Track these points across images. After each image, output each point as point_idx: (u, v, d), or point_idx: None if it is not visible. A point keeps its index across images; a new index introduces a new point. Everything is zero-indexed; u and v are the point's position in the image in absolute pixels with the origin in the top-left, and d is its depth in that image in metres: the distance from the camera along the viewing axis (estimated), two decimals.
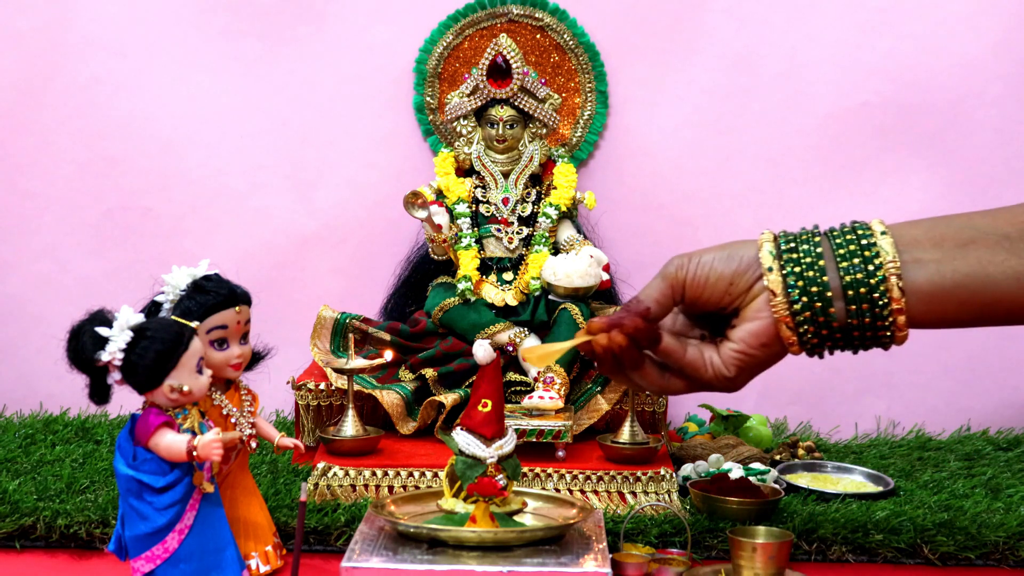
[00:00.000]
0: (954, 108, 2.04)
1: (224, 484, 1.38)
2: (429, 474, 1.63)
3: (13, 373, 2.09)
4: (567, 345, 1.20)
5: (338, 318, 1.91)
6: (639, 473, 1.63)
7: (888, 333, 1.13)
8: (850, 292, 1.12)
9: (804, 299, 1.14)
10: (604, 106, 2.05)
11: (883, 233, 1.15)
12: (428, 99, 2.05)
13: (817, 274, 1.14)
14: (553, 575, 1.26)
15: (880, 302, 1.12)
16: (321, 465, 1.62)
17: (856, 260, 1.14)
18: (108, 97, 2.07)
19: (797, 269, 1.15)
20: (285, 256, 2.09)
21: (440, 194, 1.95)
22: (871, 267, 1.13)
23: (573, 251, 1.90)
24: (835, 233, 1.18)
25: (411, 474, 1.63)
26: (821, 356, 1.18)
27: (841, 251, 1.15)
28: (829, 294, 1.13)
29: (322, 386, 1.81)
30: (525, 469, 1.61)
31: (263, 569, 1.40)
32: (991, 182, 2.05)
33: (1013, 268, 1.14)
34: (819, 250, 1.16)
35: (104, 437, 1.87)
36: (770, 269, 1.15)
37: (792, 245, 1.16)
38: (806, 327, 1.14)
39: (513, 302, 1.89)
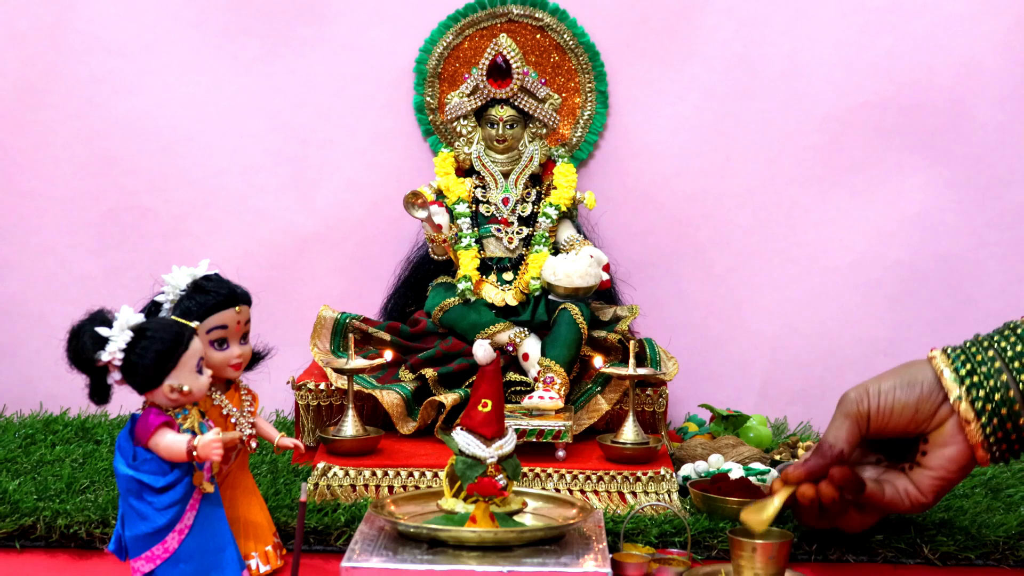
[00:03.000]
0: (954, 108, 2.04)
1: (224, 484, 1.38)
2: (429, 474, 1.63)
3: (13, 373, 2.09)
4: (778, 503, 1.26)
5: (338, 318, 1.91)
6: (639, 473, 1.63)
7: None
8: None
9: (994, 420, 1.20)
10: (604, 106, 2.05)
11: None
12: (428, 99, 2.05)
13: (1002, 392, 1.21)
14: (553, 575, 1.26)
15: None
16: (321, 465, 1.62)
17: None
18: (108, 97, 2.07)
19: (982, 392, 1.21)
20: (285, 256, 2.09)
21: (440, 194, 1.95)
22: None
23: (573, 251, 1.90)
24: (998, 338, 1.23)
25: (411, 474, 1.63)
26: (1007, 463, 1.26)
27: (1010, 353, 1.22)
28: (1013, 401, 1.19)
29: (322, 386, 1.81)
30: (525, 469, 1.61)
31: (263, 569, 1.40)
32: (991, 182, 2.05)
33: None
34: (994, 360, 1.22)
35: (104, 437, 1.87)
36: (959, 398, 1.21)
37: (970, 366, 1.22)
38: (997, 442, 1.20)
39: (513, 302, 1.89)
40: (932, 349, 1.24)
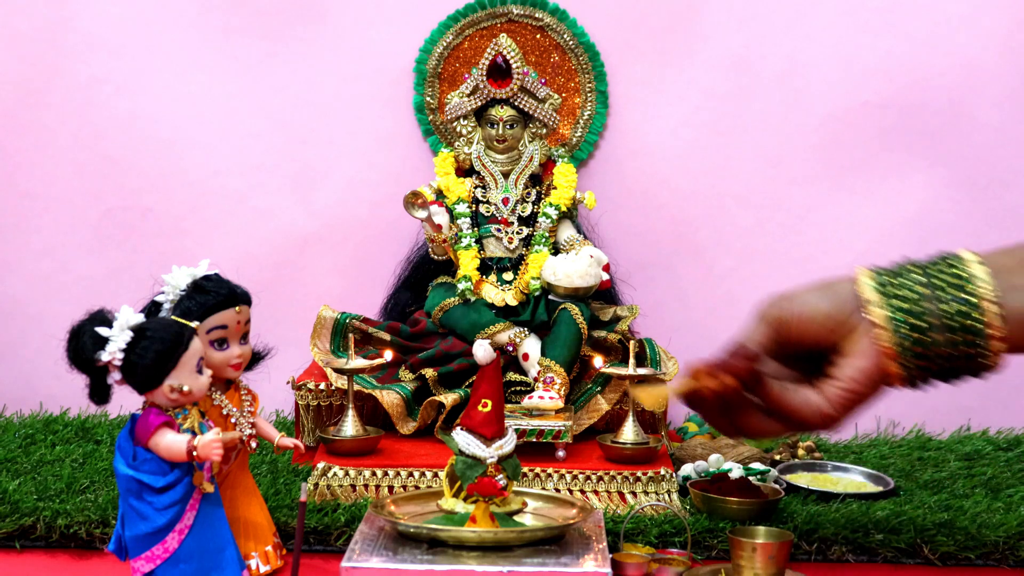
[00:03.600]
0: (954, 108, 2.04)
1: (224, 484, 1.38)
2: (429, 474, 1.63)
3: (13, 373, 2.09)
4: (677, 388, 1.21)
5: (338, 318, 1.91)
6: (639, 473, 1.63)
7: (986, 361, 1.15)
8: (951, 322, 1.16)
9: (909, 332, 1.16)
10: (604, 106, 2.05)
11: (980, 263, 1.18)
12: (428, 99, 2.05)
13: (919, 306, 1.17)
14: (553, 575, 1.26)
15: (980, 331, 1.14)
16: (321, 465, 1.62)
17: (954, 290, 1.17)
18: (108, 97, 2.07)
19: (901, 304, 1.18)
20: (285, 256, 2.09)
21: (440, 194, 1.95)
22: (971, 297, 1.15)
23: (573, 251, 1.90)
24: (928, 265, 1.21)
25: (411, 474, 1.63)
26: (918, 388, 1.20)
27: (937, 281, 1.18)
28: (931, 323, 1.16)
29: (322, 386, 1.81)
30: (525, 469, 1.61)
31: (263, 569, 1.40)
32: (991, 182, 2.05)
33: None
34: (918, 280, 1.19)
35: (104, 437, 1.87)
36: (873, 303, 1.17)
37: (891, 280, 1.19)
38: (910, 360, 1.17)
39: (513, 302, 1.89)
40: (861, 283, 1.21)
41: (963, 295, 1.15)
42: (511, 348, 1.84)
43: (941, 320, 1.15)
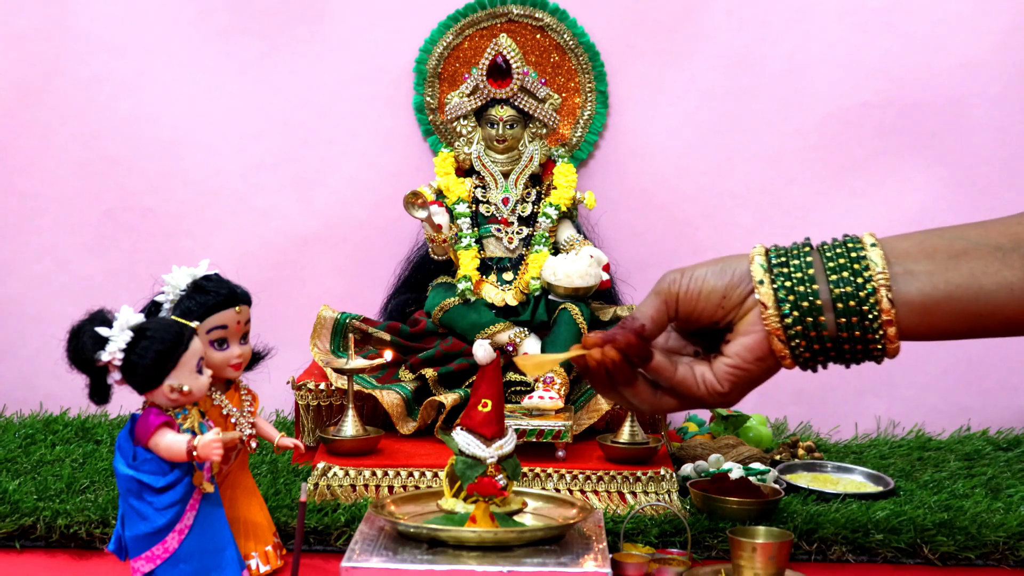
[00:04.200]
0: (954, 108, 2.04)
1: (224, 484, 1.38)
2: (429, 474, 1.63)
3: (13, 373, 2.09)
4: (560, 357, 1.19)
5: (338, 318, 1.91)
6: (639, 473, 1.63)
7: (879, 346, 1.13)
8: (840, 305, 1.13)
9: (795, 312, 1.14)
10: (604, 106, 2.05)
11: (873, 245, 1.15)
12: (428, 99, 2.05)
13: (807, 287, 1.14)
14: (553, 575, 1.26)
15: (870, 314, 1.12)
16: (321, 465, 1.62)
17: (846, 273, 1.14)
18: (108, 97, 2.07)
19: (787, 283, 1.15)
20: (285, 256, 2.09)
21: (440, 194, 1.95)
22: (860, 279, 1.13)
23: (573, 251, 1.90)
24: (826, 247, 1.18)
25: (411, 474, 1.63)
26: (815, 370, 1.18)
27: (831, 264, 1.16)
28: (819, 304, 1.13)
29: (322, 386, 1.81)
30: (525, 469, 1.61)
31: (263, 569, 1.40)
32: (991, 182, 2.05)
33: (1006, 279, 1.15)
34: (809, 261, 1.16)
35: (104, 437, 1.87)
36: (761, 282, 1.15)
37: (783, 259, 1.17)
38: (798, 340, 1.14)
39: (513, 302, 1.89)
40: (753, 262, 1.20)
41: (854, 278, 1.13)
42: (511, 348, 1.84)
43: (832, 302, 1.14)
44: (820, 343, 1.14)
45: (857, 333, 1.13)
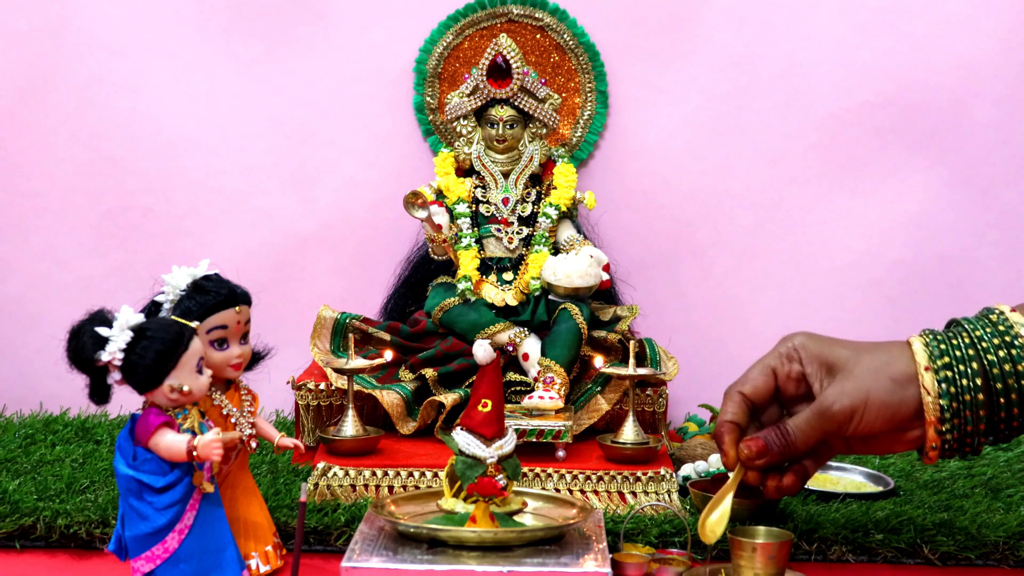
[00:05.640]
0: (954, 108, 2.04)
1: (224, 484, 1.38)
2: (429, 474, 1.63)
3: (13, 373, 2.09)
4: (730, 502, 1.30)
5: (338, 318, 1.91)
6: (639, 473, 1.63)
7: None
8: (999, 385, 1.23)
9: (956, 434, 1.25)
10: (604, 106, 2.05)
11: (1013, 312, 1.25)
12: (428, 99, 2.05)
13: (973, 407, 1.25)
14: (553, 575, 1.26)
15: None
16: (321, 465, 1.62)
17: (1002, 352, 1.24)
18: (108, 97, 2.07)
19: (954, 419, 1.24)
20: (285, 256, 2.09)
21: (440, 194, 1.95)
22: (1015, 351, 1.23)
23: (573, 251, 1.90)
24: (977, 331, 1.28)
25: (411, 474, 1.63)
26: (950, 458, 1.32)
27: (984, 344, 1.25)
28: (980, 399, 1.24)
29: (322, 386, 1.81)
30: (525, 469, 1.61)
31: (263, 569, 1.40)
32: (991, 182, 2.05)
33: None
34: (971, 355, 1.26)
35: (104, 437, 1.87)
36: (936, 428, 1.24)
37: (953, 389, 1.28)
38: (950, 436, 1.25)
39: (513, 302, 1.89)
40: (919, 359, 1.25)
41: (1008, 351, 1.23)
42: (511, 348, 1.84)
43: (991, 382, 1.22)
44: (975, 426, 1.23)
45: (1014, 396, 1.22)
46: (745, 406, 1.30)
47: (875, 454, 1.29)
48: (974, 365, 1.22)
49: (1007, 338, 1.22)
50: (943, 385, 1.22)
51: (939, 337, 1.25)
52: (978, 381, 1.22)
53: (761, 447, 1.27)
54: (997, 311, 1.25)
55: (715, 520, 1.29)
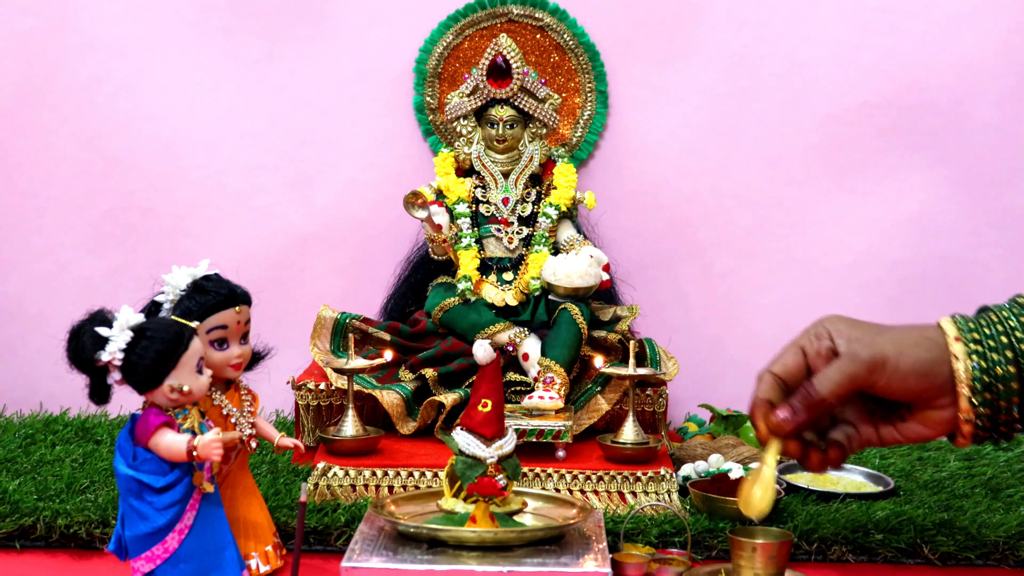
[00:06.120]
0: (954, 108, 2.04)
1: (224, 484, 1.38)
2: (429, 474, 1.63)
3: (13, 373, 2.09)
4: (772, 473, 1.26)
5: (338, 318, 1.91)
6: (639, 473, 1.63)
7: None
8: None
9: (989, 411, 1.23)
10: (604, 106, 2.05)
11: None
12: (428, 99, 2.05)
13: (1005, 381, 1.23)
14: (553, 575, 1.26)
15: None
16: (321, 465, 1.62)
17: None
18: (108, 97, 2.07)
19: (987, 394, 1.23)
20: (285, 256, 2.09)
21: (440, 194, 1.95)
22: None
23: (573, 251, 1.90)
24: (1005, 314, 1.26)
25: (411, 474, 1.63)
26: (981, 443, 1.27)
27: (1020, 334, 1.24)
28: (1014, 388, 1.23)
29: (322, 386, 1.81)
30: (525, 469, 1.61)
31: (263, 569, 1.40)
32: (991, 182, 2.05)
33: None
34: (1007, 353, 1.23)
35: (104, 437, 1.87)
36: (968, 400, 1.23)
37: (984, 364, 1.24)
38: (983, 429, 1.24)
39: (513, 302, 1.89)
40: (948, 329, 1.24)
41: None
42: (511, 348, 1.84)
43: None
44: (1008, 402, 1.22)
45: None
46: (777, 384, 1.28)
47: (908, 440, 1.26)
48: (1004, 341, 1.22)
49: None
50: (973, 357, 1.22)
51: (968, 318, 1.25)
52: (1009, 355, 1.21)
53: (786, 409, 1.25)
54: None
55: (759, 496, 1.26)
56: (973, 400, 1.22)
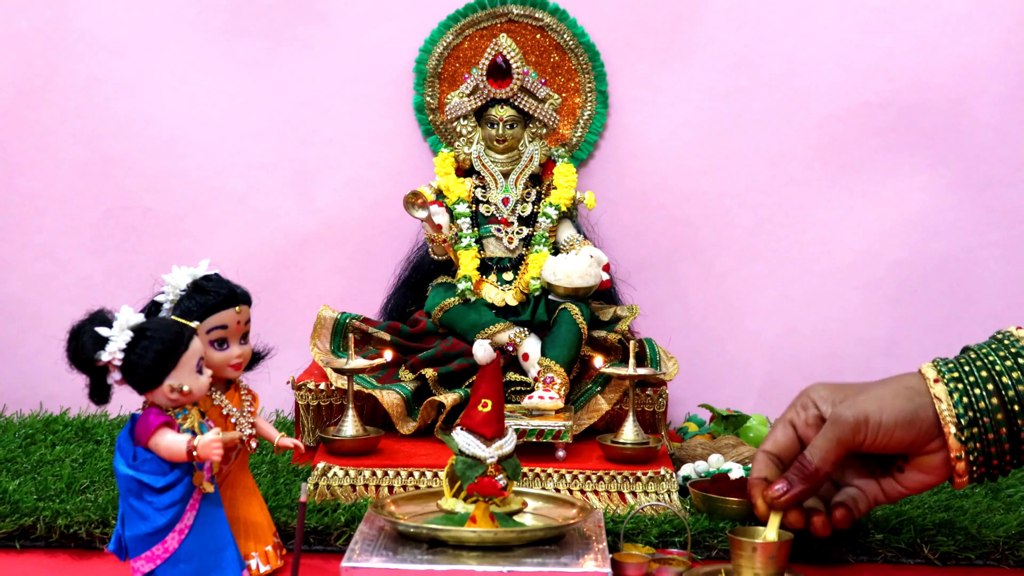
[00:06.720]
0: (955, 108, 2.04)
1: (224, 484, 1.38)
2: (429, 474, 1.63)
3: (13, 373, 2.09)
4: (772, 533, 1.31)
5: (338, 318, 1.91)
6: (639, 473, 1.63)
7: None
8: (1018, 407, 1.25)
9: (981, 457, 1.27)
10: (604, 106, 2.05)
11: None
12: (428, 99, 2.05)
13: (993, 427, 1.26)
14: (553, 575, 1.26)
15: None
16: (321, 465, 1.62)
17: (1016, 373, 1.26)
18: (108, 97, 2.07)
19: (977, 437, 1.26)
20: (285, 256, 2.09)
21: (440, 194, 1.95)
22: None
23: (573, 251, 1.90)
24: (989, 355, 1.29)
25: (411, 474, 1.63)
26: (982, 482, 1.32)
27: (999, 368, 1.27)
28: (1003, 435, 1.26)
29: (322, 386, 1.81)
30: (525, 469, 1.61)
31: (263, 569, 1.40)
32: (992, 182, 2.05)
33: None
34: (991, 394, 1.27)
35: (104, 437, 1.87)
36: (956, 438, 1.26)
37: (967, 401, 1.29)
38: (978, 471, 1.27)
39: (513, 302, 1.89)
40: (928, 373, 1.27)
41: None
42: (511, 348, 1.84)
43: (1008, 404, 1.24)
44: (998, 458, 1.25)
45: None
46: (771, 462, 1.35)
47: (913, 490, 1.31)
48: (984, 375, 1.25)
49: (1020, 360, 1.23)
50: (955, 395, 1.24)
51: (948, 360, 1.28)
52: (991, 387, 1.23)
53: (782, 482, 1.30)
54: (1006, 332, 1.27)
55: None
56: (960, 437, 1.24)
